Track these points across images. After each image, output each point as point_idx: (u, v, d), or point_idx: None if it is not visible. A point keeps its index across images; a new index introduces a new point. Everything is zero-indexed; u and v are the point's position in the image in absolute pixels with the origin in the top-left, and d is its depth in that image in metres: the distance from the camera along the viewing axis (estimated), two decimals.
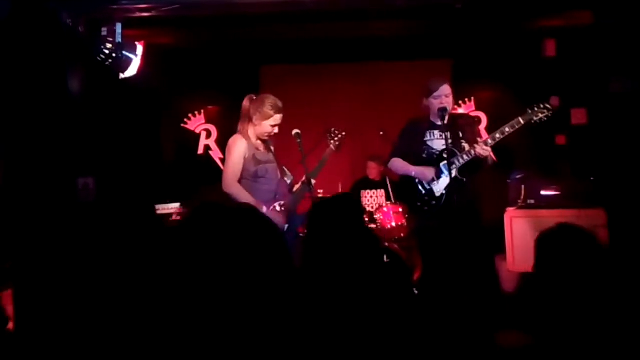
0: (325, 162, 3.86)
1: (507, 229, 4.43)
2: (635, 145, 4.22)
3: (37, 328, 3.45)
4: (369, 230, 2.58)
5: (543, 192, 4.56)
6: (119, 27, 4.17)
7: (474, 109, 6.41)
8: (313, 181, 3.73)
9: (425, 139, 3.75)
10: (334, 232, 2.32)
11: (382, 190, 5.69)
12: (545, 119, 3.59)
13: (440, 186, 3.66)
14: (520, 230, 4.41)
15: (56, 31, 4.12)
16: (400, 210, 5.12)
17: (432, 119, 3.77)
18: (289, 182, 3.69)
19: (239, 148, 3.54)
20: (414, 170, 3.71)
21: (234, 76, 6.28)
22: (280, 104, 3.58)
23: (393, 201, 5.31)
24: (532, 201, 4.55)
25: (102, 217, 4.26)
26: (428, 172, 3.66)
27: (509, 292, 4.52)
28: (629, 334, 1.48)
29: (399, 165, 3.82)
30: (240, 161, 3.54)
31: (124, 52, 4.25)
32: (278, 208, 3.59)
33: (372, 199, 5.69)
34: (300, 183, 3.77)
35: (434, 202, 3.68)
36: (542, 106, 3.60)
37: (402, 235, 5.06)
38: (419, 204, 3.74)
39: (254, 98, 3.62)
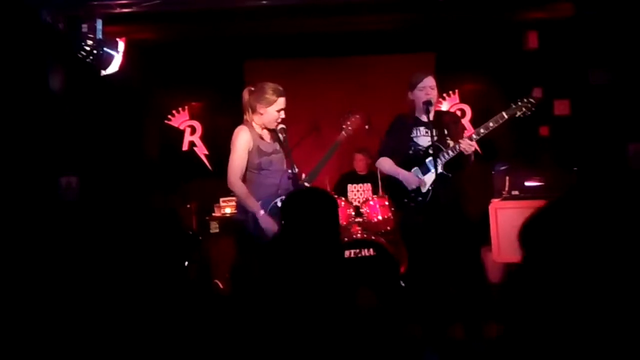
0: (335, 150, 3.82)
1: (492, 220, 4.47)
2: (616, 135, 4.26)
3: (19, 327, 3.41)
4: (337, 228, 2.58)
5: (527, 183, 4.60)
6: (99, 24, 4.12)
7: (458, 101, 6.44)
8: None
9: (412, 135, 3.74)
10: (303, 224, 2.34)
11: (369, 184, 5.70)
12: (529, 112, 3.61)
13: (426, 182, 3.68)
14: (505, 222, 4.45)
15: (36, 28, 4.07)
16: (387, 203, 5.13)
17: (417, 114, 3.77)
18: (293, 174, 3.59)
19: (242, 140, 3.46)
20: (400, 174, 3.72)
21: (217, 71, 6.24)
22: (280, 88, 3.51)
23: (381, 194, 5.32)
24: (517, 192, 4.59)
25: (86, 215, 4.23)
26: (413, 181, 3.67)
27: (495, 282, 4.56)
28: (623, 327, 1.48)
29: (386, 166, 3.83)
30: (243, 155, 3.46)
31: (105, 49, 4.19)
32: (279, 203, 3.42)
33: (359, 192, 5.70)
34: (308, 174, 3.72)
35: (420, 198, 3.69)
36: (525, 100, 3.61)
37: (389, 228, 5.08)
38: (405, 200, 3.75)
39: (252, 89, 3.57)
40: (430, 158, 3.61)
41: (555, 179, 4.57)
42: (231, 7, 4.35)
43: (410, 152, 3.73)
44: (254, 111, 3.52)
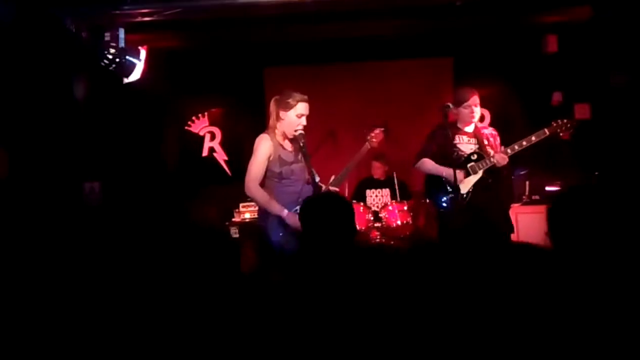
0: (357, 161, 3.87)
1: None
2: (638, 138, 4.22)
3: (42, 331, 3.47)
4: (353, 232, 2.61)
5: (547, 188, 4.57)
6: (121, 32, 4.20)
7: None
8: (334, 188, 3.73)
9: (455, 142, 3.93)
10: (323, 230, 2.37)
11: (387, 190, 5.70)
12: (568, 132, 3.77)
13: (466, 185, 3.81)
14: (525, 226, 4.43)
15: (60, 37, 4.16)
16: (405, 208, 5.13)
17: (459, 125, 3.96)
18: (317, 180, 3.61)
19: (263, 148, 3.48)
20: (444, 171, 3.87)
21: (237, 78, 6.31)
22: (303, 95, 3.52)
23: (398, 200, 5.32)
24: (537, 197, 4.56)
25: (109, 220, 4.30)
26: (457, 176, 3.78)
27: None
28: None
29: (429, 165, 4.00)
30: (263, 162, 3.49)
31: (127, 57, 4.27)
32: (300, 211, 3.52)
33: (377, 198, 5.70)
34: (332, 178, 3.75)
35: (460, 200, 3.81)
36: (567, 122, 3.78)
37: (407, 233, 5.07)
38: (444, 203, 3.86)
39: (278, 97, 3.60)
40: (472, 163, 3.83)
41: (576, 183, 4.53)
42: (250, 15, 4.39)
43: (454, 156, 3.89)
44: (277, 117, 3.54)
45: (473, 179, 3.83)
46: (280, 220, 3.44)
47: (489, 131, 4.09)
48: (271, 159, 3.48)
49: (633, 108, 4.32)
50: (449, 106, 3.77)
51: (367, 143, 3.90)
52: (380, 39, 5.72)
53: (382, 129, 4.01)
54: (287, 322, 2.09)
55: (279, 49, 6.03)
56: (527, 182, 4.64)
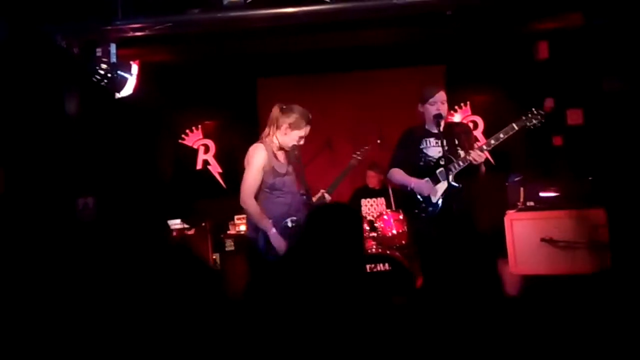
0: (345, 175, 3.89)
1: (507, 232, 4.44)
2: (632, 144, 4.23)
3: (36, 348, 3.44)
4: (361, 243, 2.63)
5: (542, 194, 4.57)
6: (113, 48, 4.19)
7: (469, 113, 6.44)
8: (328, 197, 3.74)
9: (422, 146, 3.76)
10: (332, 239, 2.36)
11: (382, 199, 5.70)
12: (539, 124, 3.61)
13: (437, 193, 3.67)
14: (520, 233, 4.42)
15: (52, 53, 4.15)
16: (401, 217, 5.12)
17: (427, 126, 3.78)
18: (305, 196, 3.63)
19: (258, 159, 3.45)
20: (412, 183, 3.72)
21: (230, 90, 6.31)
22: (310, 116, 3.53)
23: (394, 209, 5.32)
24: (532, 203, 4.56)
25: (103, 236, 4.27)
26: (425, 188, 3.68)
27: (512, 295, 4.52)
28: None
29: (397, 176, 3.84)
30: (259, 173, 3.45)
31: (119, 72, 4.26)
32: (289, 224, 3.48)
33: (373, 207, 5.70)
34: (320, 193, 3.76)
35: (431, 209, 3.68)
36: (535, 112, 3.61)
37: (404, 242, 5.06)
38: (416, 210, 3.75)
39: (284, 107, 3.57)
40: (441, 169, 3.63)
41: (570, 189, 4.54)
42: (241, 27, 4.40)
43: (421, 163, 3.75)
44: (278, 128, 3.52)
45: (443, 186, 3.62)
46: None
47: (463, 128, 3.94)
48: (265, 169, 3.47)
49: (625, 113, 4.34)
50: (441, 116, 3.69)
51: (353, 159, 3.95)
52: (372, 48, 5.74)
53: (369, 147, 4.05)
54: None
55: (272, 60, 6.04)
56: (522, 189, 4.63)
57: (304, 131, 3.50)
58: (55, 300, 3.81)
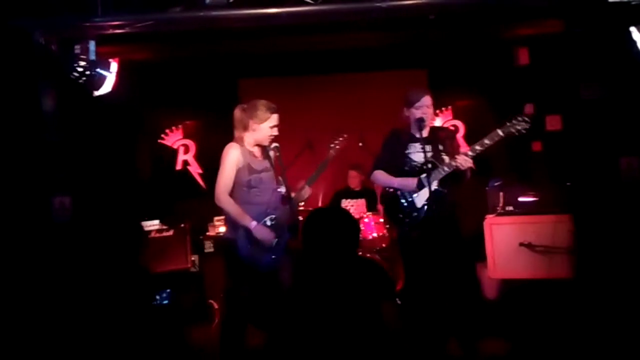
0: (324, 167, 3.87)
1: (486, 236, 4.46)
2: (608, 150, 4.28)
3: (12, 349, 3.37)
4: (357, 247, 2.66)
5: (521, 199, 4.60)
6: (92, 45, 4.12)
7: (451, 117, 6.48)
8: (309, 192, 3.73)
9: (407, 151, 3.76)
10: (329, 243, 2.39)
11: (363, 200, 5.70)
12: (524, 131, 3.62)
13: (421, 198, 3.67)
14: (500, 237, 4.45)
15: (29, 50, 4.07)
16: (382, 220, 5.12)
17: (412, 131, 3.78)
18: (283, 192, 3.62)
19: (232, 157, 3.47)
20: (396, 182, 3.71)
21: (211, 90, 6.26)
22: (273, 104, 3.55)
23: (375, 210, 5.31)
24: (511, 208, 4.59)
25: (79, 236, 4.19)
26: (410, 182, 3.67)
27: (491, 299, 4.54)
28: None
29: (381, 177, 3.83)
30: (232, 171, 3.46)
31: (97, 70, 4.19)
32: (268, 222, 3.50)
33: (353, 207, 5.69)
34: (298, 189, 3.74)
35: (416, 214, 3.69)
36: (520, 118, 3.62)
37: (384, 245, 5.07)
38: (400, 215, 3.74)
39: (245, 106, 3.58)
40: (426, 174, 3.62)
41: (548, 194, 4.58)
42: (224, 27, 4.36)
43: (406, 168, 3.74)
44: (246, 128, 3.53)
45: (427, 191, 3.59)
46: (249, 232, 3.41)
47: (447, 133, 3.94)
48: (240, 167, 3.46)
49: (603, 120, 4.39)
50: (423, 119, 3.68)
51: (330, 151, 3.94)
52: (355, 51, 5.75)
53: (346, 135, 4.03)
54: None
55: (254, 60, 6.01)
56: (501, 193, 4.66)
57: (273, 121, 3.52)
58: (29, 301, 3.73)
